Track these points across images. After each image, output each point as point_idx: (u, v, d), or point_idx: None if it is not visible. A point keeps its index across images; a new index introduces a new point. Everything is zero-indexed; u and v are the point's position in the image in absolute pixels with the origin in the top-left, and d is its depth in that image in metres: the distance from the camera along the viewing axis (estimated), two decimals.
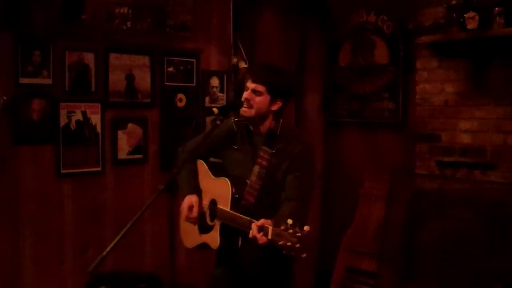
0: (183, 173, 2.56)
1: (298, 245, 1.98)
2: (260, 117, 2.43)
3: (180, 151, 2.71)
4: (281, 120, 2.47)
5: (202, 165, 2.65)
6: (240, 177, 2.44)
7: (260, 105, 2.40)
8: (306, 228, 1.99)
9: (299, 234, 1.98)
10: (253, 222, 2.19)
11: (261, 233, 2.11)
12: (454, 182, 3.66)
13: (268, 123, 2.45)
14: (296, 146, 2.43)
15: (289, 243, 1.99)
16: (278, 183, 2.40)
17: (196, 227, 2.57)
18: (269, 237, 2.08)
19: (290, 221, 2.01)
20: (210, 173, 2.59)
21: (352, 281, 3.98)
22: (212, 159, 2.67)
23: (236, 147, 2.52)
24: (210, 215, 2.53)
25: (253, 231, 2.13)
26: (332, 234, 4.25)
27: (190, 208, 2.50)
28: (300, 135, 2.59)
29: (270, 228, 2.09)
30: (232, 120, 2.52)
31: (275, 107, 2.43)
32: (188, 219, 2.51)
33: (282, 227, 2.02)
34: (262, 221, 2.14)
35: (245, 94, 2.42)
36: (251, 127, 2.49)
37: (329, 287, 4.06)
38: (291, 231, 1.99)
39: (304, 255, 2.00)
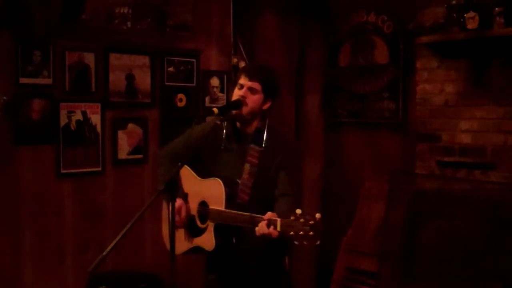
0: (165, 177, 2.43)
1: (311, 233, 1.98)
2: (252, 115, 2.43)
3: (160, 156, 2.69)
4: (267, 119, 2.49)
5: (185, 169, 2.59)
6: (229, 177, 2.43)
7: (255, 104, 2.41)
8: (317, 215, 2.01)
9: (312, 222, 1.99)
10: (254, 216, 2.19)
11: (271, 227, 2.11)
12: (454, 182, 3.66)
13: (256, 123, 2.46)
14: (284, 143, 2.47)
15: (301, 232, 2.00)
16: (270, 180, 2.41)
17: (184, 232, 2.54)
18: (278, 229, 2.09)
19: (299, 211, 2.03)
20: (195, 175, 2.57)
21: (352, 281, 3.98)
22: (195, 162, 2.62)
23: (222, 147, 2.50)
24: (200, 218, 2.51)
25: (262, 227, 2.13)
26: (332, 234, 4.24)
27: (177, 212, 2.45)
28: (286, 132, 2.63)
29: (279, 220, 2.10)
30: (217, 118, 2.47)
31: (266, 107, 2.45)
32: (176, 223, 2.47)
33: (292, 218, 2.03)
34: (269, 214, 2.15)
35: (241, 92, 2.41)
36: (238, 126, 2.49)
37: (329, 287, 4.06)
38: (302, 220, 2.00)
39: (318, 242, 2.01)
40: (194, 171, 2.59)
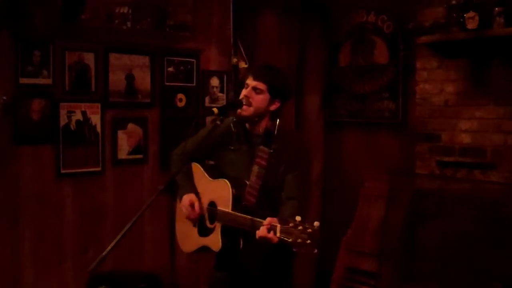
0: (178, 176, 2.54)
1: (309, 241, 1.98)
2: (258, 116, 2.43)
3: (173, 155, 2.69)
4: (278, 120, 2.47)
5: (197, 168, 2.63)
6: (238, 178, 2.43)
7: (259, 104, 2.40)
8: (316, 224, 2.01)
9: (309, 230, 1.99)
10: (255, 220, 2.18)
11: (271, 232, 2.11)
12: (454, 182, 3.66)
13: (265, 123, 2.45)
14: (294, 145, 2.45)
15: (299, 240, 1.99)
16: (277, 183, 2.40)
17: (194, 230, 2.55)
18: (278, 235, 2.08)
19: (298, 218, 2.02)
20: (206, 175, 2.58)
21: (352, 281, 3.98)
22: (207, 162, 2.65)
23: (232, 148, 2.50)
24: (209, 217, 2.52)
25: (263, 232, 2.13)
26: (332, 234, 4.25)
27: (191, 205, 2.48)
28: (296, 134, 2.62)
29: (278, 226, 2.09)
30: (230, 120, 2.51)
31: (273, 107, 2.43)
32: (189, 217, 2.50)
33: (291, 224, 2.02)
34: (268, 220, 2.14)
35: (245, 92, 2.41)
36: (247, 127, 2.48)
37: (329, 287, 4.06)
38: (300, 227, 2.00)
39: (316, 251, 2.00)
40: (206, 171, 2.60)
